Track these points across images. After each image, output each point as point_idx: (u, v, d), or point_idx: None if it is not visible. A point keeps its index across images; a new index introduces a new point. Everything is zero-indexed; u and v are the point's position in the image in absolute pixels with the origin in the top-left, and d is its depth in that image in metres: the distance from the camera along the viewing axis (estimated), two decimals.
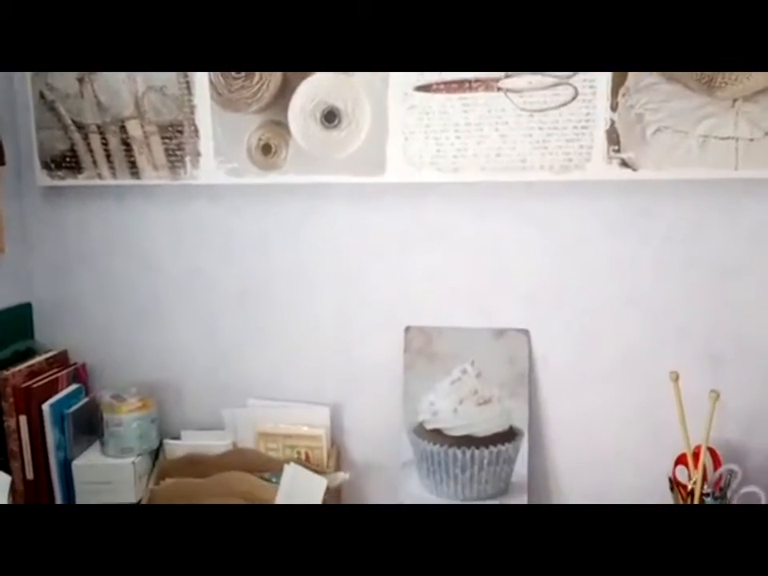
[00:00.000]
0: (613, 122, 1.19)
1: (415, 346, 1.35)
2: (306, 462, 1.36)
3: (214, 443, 1.39)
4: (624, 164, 1.20)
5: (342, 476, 1.34)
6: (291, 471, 1.32)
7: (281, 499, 1.30)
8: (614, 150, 1.20)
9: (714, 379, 1.20)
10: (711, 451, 1.19)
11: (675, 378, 1.16)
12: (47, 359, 1.38)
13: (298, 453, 1.38)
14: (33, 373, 1.33)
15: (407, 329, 1.35)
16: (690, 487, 1.17)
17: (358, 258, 1.35)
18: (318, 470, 1.34)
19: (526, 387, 1.31)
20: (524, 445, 1.30)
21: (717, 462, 1.19)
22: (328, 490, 1.31)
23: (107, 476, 1.32)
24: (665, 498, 1.22)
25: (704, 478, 1.16)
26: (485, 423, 1.31)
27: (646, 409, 1.28)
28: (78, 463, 1.32)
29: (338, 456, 1.40)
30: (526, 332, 1.31)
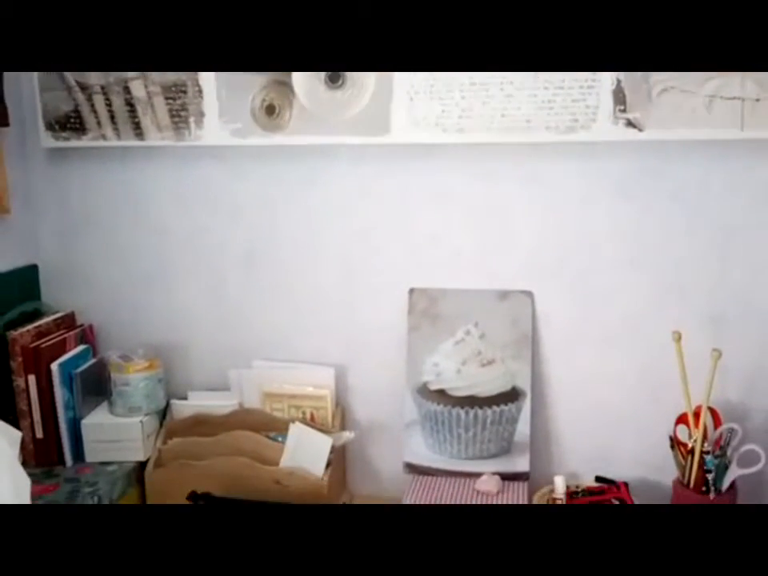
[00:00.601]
0: (619, 82, 1.18)
1: (419, 307, 1.36)
2: (311, 422, 1.38)
3: (220, 403, 1.41)
4: (630, 124, 1.19)
5: (347, 435, 1.36)
6: (297, 430, 1.34)
7: (286, 458, 1.32)
8: (620, 110, 1.19)
9: (716, 339, 1.21)
10: (712, 411, 1.20)
11: (677, 338, 1.17)
12: (55, 320, 1.40)
13: (303, 413, 1.40)
14: (40, 333, 1.35)
15: (411, 290, 1.36)
16: (690, 445, 1.18)
17: (363, 220, 1.35)
18: (323, 430, 1.35)
19: (529, 348, 1.32)
20: (527, 405, 1.32)
21: (717, 422, 1.20)
22: (333, 448, 1.33)
23: (116, 435, 1.34)
24: (665, 457, 1.24)
25: (704, 437, 1.17)
26: (488, 384, 1.33)
27: (648, 369, 1.29)
28: (86, 422, 1.34)
29: (342, 416, 1.41)
30: (529, 293, 1.32)
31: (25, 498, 1.03)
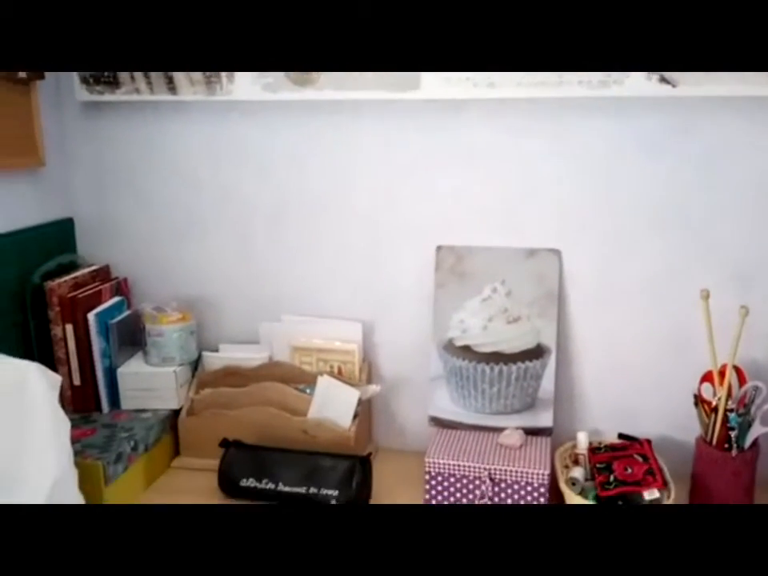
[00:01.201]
0: None
1: (446, 264, 1.37)
2: (339, 376, 1.41)
3: (250, 356, 1.44)
4: (663, 80, 1.18)
5: (374, 388, 1.39)
6: (325, 383, 1.37)
7: (314, 409, 1.36)
8: None
9: (743, 298, 1.20)
10: (737, 369, 1.20)
11: (705, 295, 1.16)
12: (90, 272, 1.43)
13: (331, 366, 1.43)
14: (77, 284, 1.39)
15: (439, 248, 1.37)
16: (714, 403, 1.19)
17: (392, 176, 1.36)
18: (350, 383, 1.38)
19: (555, 306, 1.33)
20: (551, 362, 1.33)
21: (742, 380, 1.20)
22: (359, 401, 1.36)
23: (150, 383, 1.38)
24: (689, 415, 1.25)
25: (729, 395, 1.18)
26: (513, 340, 1.34)
27: (675, 327, 1.29)
28: (122, 371, 1.39)
29: (369, 370, 1.44)
30: (557, 252, 1.32)
31: (65, 440, 1.07)
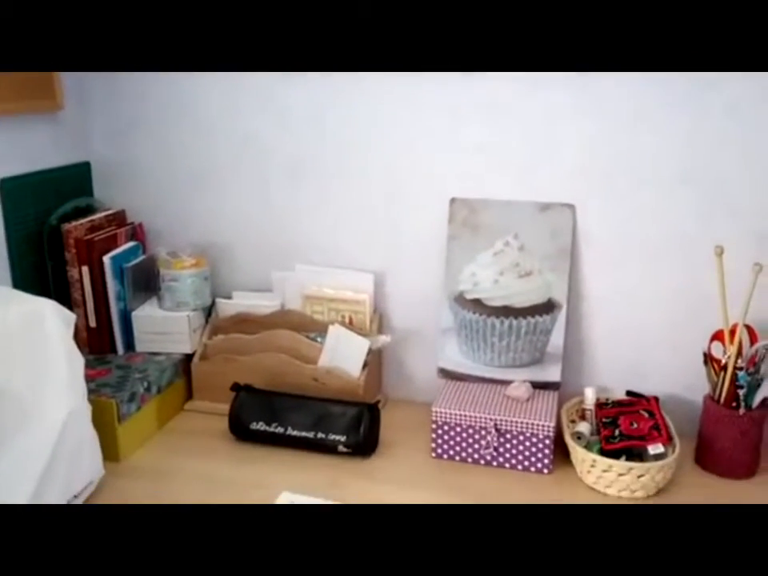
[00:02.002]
0: None
1: (460, 217, 1.36)
2: (350, 326, 1.42)
3: (262, 304, 1.45)
4: None
5: (384, 339, 1.40)
6: (336, 331, 1.38)
7: (325, 357, 1.37)
8: None
9: (759, 258, 1.19)
10: (749, 328, 1.19)
11: (719, 252, 1.15)
12: (106, 216, 1.45)
13: (342, 316, 1.44)
14: (93, 228, 1.40)
15: (452, 200, 1.36)
16: (723, 362, 1.19)
17: (409, 128, 1.35)
18: (361, 333, 1.40)
19: (568, 261, 1.32)
20: (561, 317, 1.33)
21: (753, 339, 1.20)
22: (370, 351, 1.38)
23: (164, 327, 1.41)
24: (698, 375, 1.24)
25: (739, 354, 1.17)
26: (524, 295, 1.34)
27: (688, 287, 1.28)
28: (137, 314, 1.41)
29: (379, 321, 1.45)
30: (571, 206, 1.31)
31: (78, 375, 1.10)
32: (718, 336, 1.21)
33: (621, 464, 1.14)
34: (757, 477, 1.21)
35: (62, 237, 1.36)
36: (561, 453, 1.23)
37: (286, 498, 1.13)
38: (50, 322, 1.07)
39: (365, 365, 1.37)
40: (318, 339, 1.40)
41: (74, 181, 1.47)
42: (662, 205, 1.26)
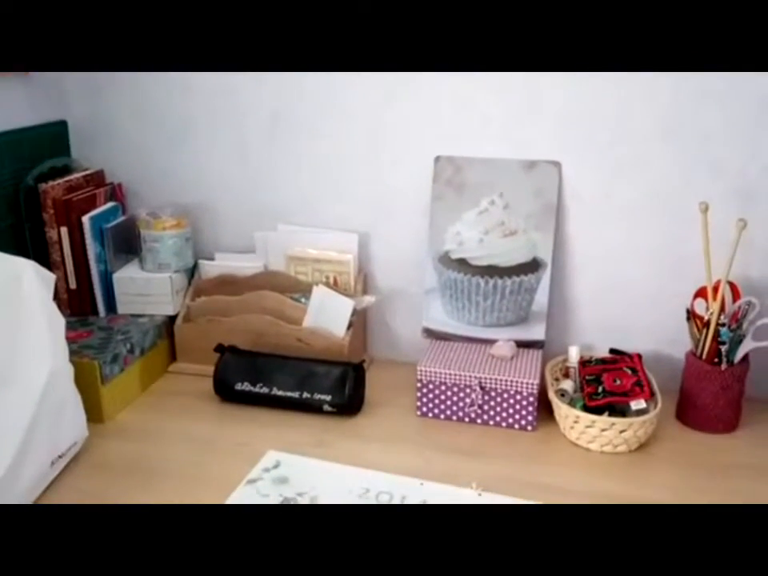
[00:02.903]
0: None
1: (444, 176, 1.35)
2: (334, 286, 1.41)
3: (245, 265, 1.44)
4: None
5: (369, 299, 1.39)
6: (320, 292, 1.38)
7: (309, 318, 1.37)
8: None
9: (743, 214, 1.19)
10: (731, 285, 1.20)
11: (704, 208, 1.15)
12: (84, 176, 1.42)
13: (327, 277, 1.43)
14: (71, 188, 1.37)
15: (437, 158, 1.35)
16: (706, 318, 1.19)
17: (391, 85, 1.32)
18: (346, 294, 1.39)
19: (553, 219, 1.32)
20: (546, 276, 1.33)
21: (736, 296, 1.20)
22: (354, 311, 1.37)
23: (146, 289, 1.39)
24: (681, 331, 1.25)
25: (722, 310, 1.18)
26: (509, 254, 1.34)
27: (672, 244, 1.28)
28: (118, 276, 1.39)
29: (364, 281, 1.44)
30: (557, 164, 1.30)
31: (59, 335, 1.09)
32: (701, 293, 1.22)
33: (603, 419, 1.15)
34: (737, 431, 1.22)
35: (39, 197, 1.33)
36: (545, 410, 1.24)
37: (271, 456, 1.14)
38: (29, 283, 1.05)
39: (349, 325, 1.37)
40: (302, 300, 1.39)
41: (51, 140, 1.43)
42: (646, 161, 1.25)
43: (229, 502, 1.03)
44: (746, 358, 1.20)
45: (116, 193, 1.46)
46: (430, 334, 1.39)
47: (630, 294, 1.33)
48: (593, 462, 1.14)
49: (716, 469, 1.12)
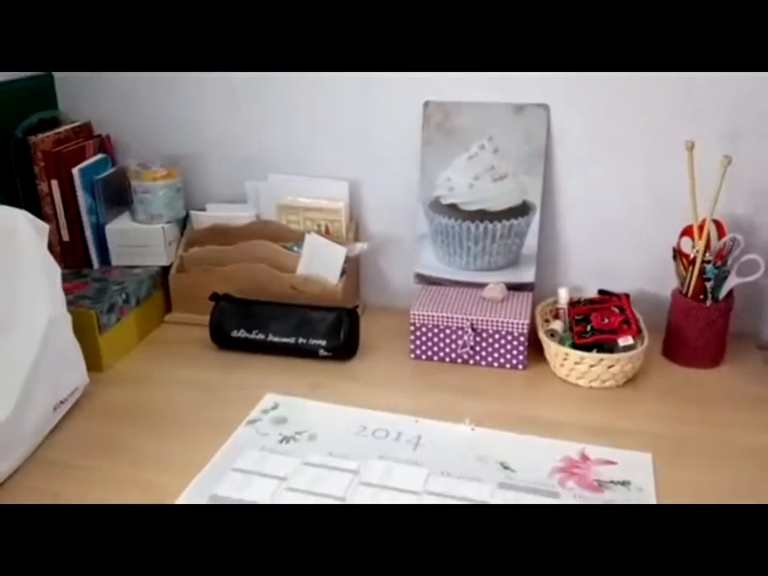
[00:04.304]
0: None
1: (434, 121, 1.35)
2: (326, 234, 1.42)
3: (237, 215, 1.45)
4: None
5: (361, 246, 1.41)
6: (312, 240, 1.39)
7: (302, 266, 1.38)
8: None
9: (729, 152, 1.20)
10: (717, 223, 1.22)
11: (690, 146, 1.16)
12: (73, 129, 1.41)
13: (318, 225, 1.44)
14: (60, 140, 1.37)
15: (426, 104, 1.35)
16: (692, 256, 1.22)
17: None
18: (338, 241, 1.40)
19: (542, 163, 1.33)
20: (536, 219, 1.35)
21: (722, 233, 1.22)
22: (347, 258, 1.39)
23: (139, 240, 1.40)
24: (667, 270, 1.28)
25: (707, 248, 1.20)
26: (499, 198, 1.35)
27: (659, 185, 1.30)
28: (110, 227, 1.40)
29: (356, 229, 1.46)
30: (545, 107, 1.31)
31: (56, 284, 1.10)
32: (687, 231, 1.24)
33: (592, 356, 1.18)
34: (721, 366, 1.26)
35: (29, 150, 1.32)
36: (535, 351, 1.27)
37: (269, 399, 1.16)
38: (24, 232, 1.06)
39: (342, 273, 1.38)
40: (295, 249, 1.40)
41: (38, 92, 1.42)
42: (634, 102, 1.26)
43: (230, 441, 1.06)
44: (730, 294, 1.23)
45: (105, 144, 1.45)
46: (422, 279, 1.41)
47: (618, 235, 1.36)
48: (582, 397, 1.18)
49: (701, 401, 1.16)
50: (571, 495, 0.94)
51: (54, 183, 1.33)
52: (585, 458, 1.01)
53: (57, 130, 1.37)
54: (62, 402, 1.08)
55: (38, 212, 1.35)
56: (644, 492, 0.94)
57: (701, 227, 1.21)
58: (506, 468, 0.99)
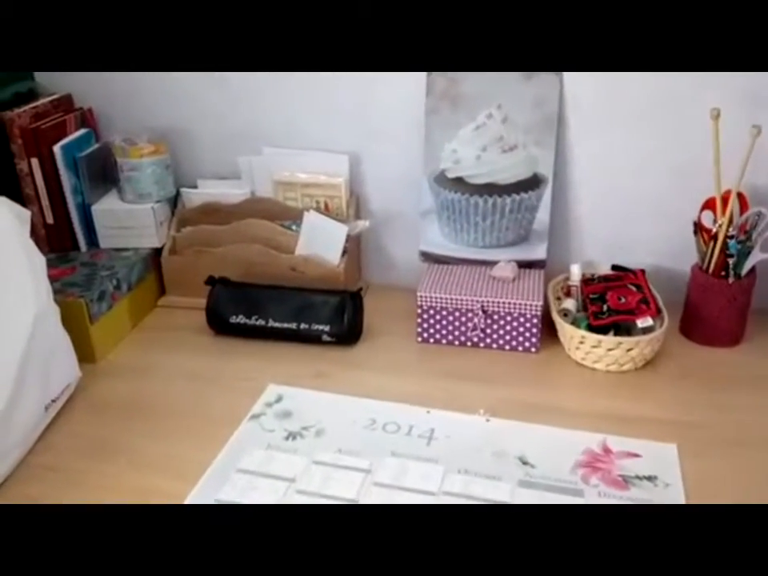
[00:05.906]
0: None
1: (438, 89, 1.27)
2: (326, 212, 1.35)
3: (231, 192, 1.37)
4: None
5: (363, 224, 1.34)
6: (311, 218, 1.32)
7: (301, 246, 1.31)
8: None
9: (754, 120, 1.13)
10: (740, 196, 1.16)
11: (716, 115, 1.09)
12: (51, 102, 1.32)
13: (317, 202, 1.37)
14: (38, 115, 1.28)
15: None
16: (714, 230, 1.16)
17: None
18: (338, 219, 1.33)
19: (554, 133, 1.25)
20: (547, 192, 1.28)
21: (744, 207, 1.16)
22: (348, 237, 1.32)
23: (128, 221, 1.32)
24: (686, 245, 1.22)
25: (730, 222, 1.14)
26: (508, 170, 1.28)
27: (679, 155, 1.22)
28: (97, 208, 1.32)
29: (357, 205, 1.38)
30: (558, 73, 1.23)
31: (41, 275, 1.03)
32: (709, 204, 1.18)
33: (610, 339, 1.12)
34: (741, 344, 1.21)
35: (5, 127, 1.23)
36: (548, 331, 1.21)
37: (272, 390, 1.11)
38: (4, 220, 0.98)
39: (344, 252, 1.32)
40: (293, 227, 1.33)
41: None
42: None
43: (233, 439, 1.00)
44: (752, 270, 1.17)
45: (87, 118, 1.36)
46: (427, 257, 1.34)
47: (635, 207, 1.29)
48: (599, 382, 1.13)
49: (723, 382, 1.12)
50: (596, 493, 0.89)
51: (35, 162, 1.25)
52: (607, 450, 0.97)
53: (34, 104, 1.28)
54: (53, 401, 1.02)
55: (18, 194, 1.27)
56: (672, 488, 0.90)
57: (724, 200, 1.14)
58: (525, 463, 0.94)
